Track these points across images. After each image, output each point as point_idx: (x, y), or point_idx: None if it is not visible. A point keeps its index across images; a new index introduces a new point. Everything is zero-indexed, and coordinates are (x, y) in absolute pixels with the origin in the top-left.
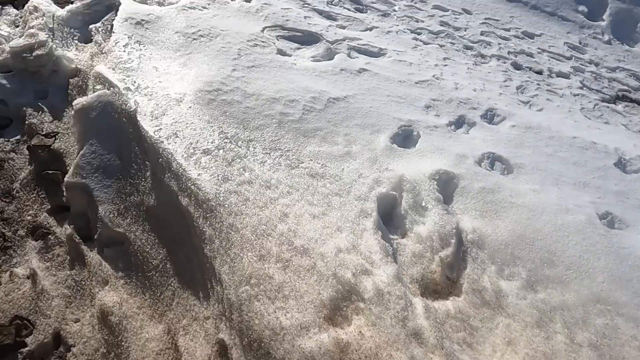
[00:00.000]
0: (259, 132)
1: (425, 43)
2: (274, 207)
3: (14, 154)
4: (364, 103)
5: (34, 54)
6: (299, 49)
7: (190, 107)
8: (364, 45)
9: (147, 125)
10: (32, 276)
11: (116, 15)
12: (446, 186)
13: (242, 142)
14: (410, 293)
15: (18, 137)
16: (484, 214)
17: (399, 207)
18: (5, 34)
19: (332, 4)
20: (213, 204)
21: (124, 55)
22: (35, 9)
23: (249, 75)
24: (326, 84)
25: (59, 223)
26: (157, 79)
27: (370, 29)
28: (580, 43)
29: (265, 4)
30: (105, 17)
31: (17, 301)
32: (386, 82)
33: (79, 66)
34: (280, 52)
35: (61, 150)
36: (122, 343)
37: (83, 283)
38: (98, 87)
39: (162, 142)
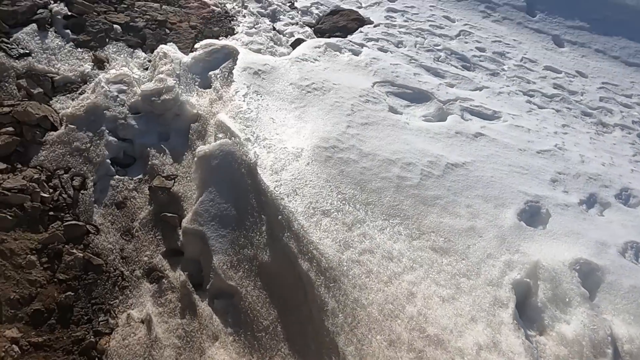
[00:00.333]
0: (376, 196)
1: (540, 107)
2: (399, 283)
3: (136, 192)
4: (484, 172)
5: (161, 98)
6: (409, 106)
7: (308, 164)
8: (476, 106)
9: (266, 179)
10: (148, 322)
11: (233, 63)
12: (588, 279)
13: (360, 204)
14: None
15: (140, 176)
16: (639, 319)
17: (534, 297)
18: (137, 76)
19: (439, 61)
20: (336, 273)
21: (243, 105)
22: (165, 55)
23: (364, 133)
24: (442, 148)
25: (172, 267)
26: (274, 130)
27: (481, 89)
28: None
29: (374, 58)
30: (223, 65)
31: (133, 347)
32: (505, 150)
33: (199, 112)
34: (392, 110)
35: (179, 194)
36: None
37: (193, 335)
38: (220, 135)
39: (283, 198)
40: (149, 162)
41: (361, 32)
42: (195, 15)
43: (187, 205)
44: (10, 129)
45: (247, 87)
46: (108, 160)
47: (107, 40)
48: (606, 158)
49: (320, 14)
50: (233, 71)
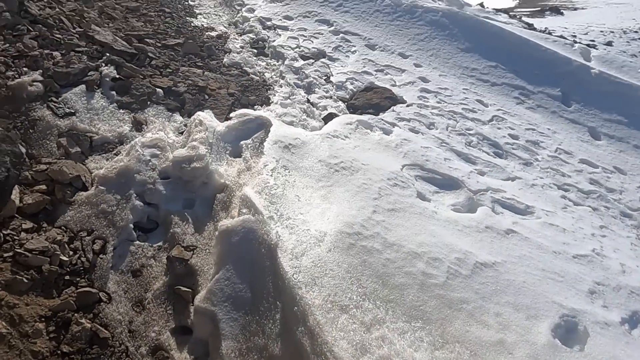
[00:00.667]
0: (399, 292)
1: (576, 204)
2: None
3: (153, 260)
4: (515, 275)
5: (191, 165)
6: (438, 193)
7: (330, 250)
8: (508, 199)
9: (286, 263)
10: None
11: (265, 134)
12: None
13: (381, 302)
14: None
15: (160, 243)
16: None
17: None
18: (171, 141)
19: (470, 146)
20: None
21: (270, 180)
22: (200, 122)
23: (390, 220)
24: (471, 243)
25: (179, 347)
26: (299, 209)
27: (513, 179)
28: None
29: (405, 139)
30: (255, 135)
31: None
32: (538, 251)
33: (226, 182)
34: (420, 196)
35: (197, 267)
36: None
37: None
38: (244, 210)
39: (300, 288)
40: (171, 230)
41: (393, 110)
42: (234, 82)
43: (203, 281)
44: (43, 186)
45: (276, 161)
46: (131, 225)
47: (148, 102)
48: None
49: (355, 90)
50: (264, 143)
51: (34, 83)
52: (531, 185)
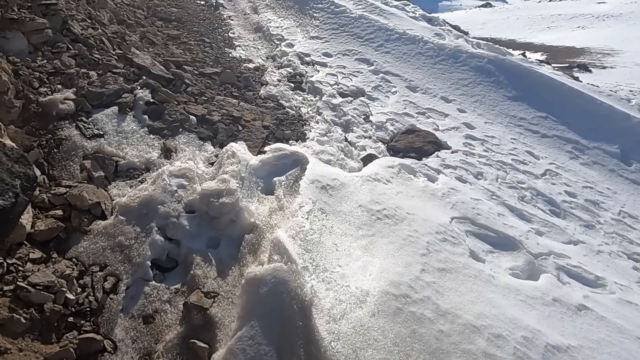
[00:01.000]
0: None
1: None
2: None
3: (169, 305)
4: None
5: (220, 200)
6: (492, 252)
7: (374, 315)
8: (574, 266)
9: (322, 326)
10: None
11: (301, 171)
12: None
13: None
14: None
15: (178, 285)
16: None
17: None
18: (200, 171)
19: (524, 201)
20: None
21: (305, 224)
22: (233, 154)
23: (441, 282)
24: (538, 319)
25: None
26: (337, 260)
27: (576, 243)
28: None
29: (452, 189)
30: (290, 172)
31: None
32: (619, 335)
33: (256, 221)
34: (473, 255)
35: (217, 318)
36: None
37: None
38: (275, 257)
39: None
40: (191, 271)
41: (438, 156)
42: (269, 115)
43: (223, 336)
44: (60, 212)
45: (313, 202)
46: (148, 262)
47: (180, 129)
48: None
49: (395, 131)
50: (300, 182)
51: (66, 101)
52: (597, 251)
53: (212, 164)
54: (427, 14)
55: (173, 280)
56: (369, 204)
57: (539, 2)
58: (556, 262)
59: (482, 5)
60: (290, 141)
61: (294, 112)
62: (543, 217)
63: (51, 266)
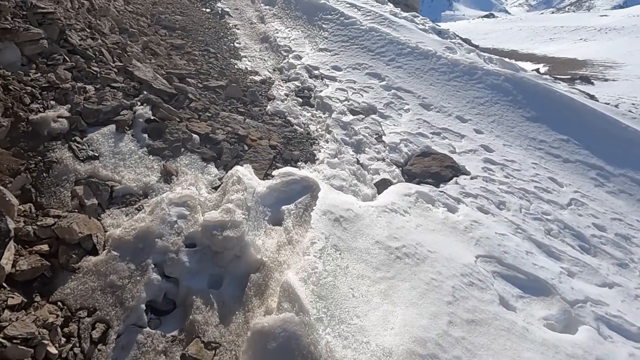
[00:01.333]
0: None
1: None
2: None
3: (164, 357)
4: None
5: (224, 233)
6: (523, 297)
7: None
8: (614, 316)
9: None
10: None
11: (311, 199)
12: None
13: None
14: None
15: (175, 332)
16: None
17: None
18: (203, 198)
19: (551, 235)
20: None
21: (318, 265)
22: (238, 180)
23: (471, 337)
24: None
25: None
26: (354, 309)
27: (611, 286)
28: None
29: (475, 221)
30: (300, 199)
31: None
32: None
33: (263, 258)
34: (503, 302)
35: None
36: None
37: None
38: (285, 304)
39: None
40: (191, 316)
41: (457, 183)
42: (277, 133)
43: None
44: (45, 247)
45: (326, 238)
46: (143, 306)
47: (182, 150)
48: None
49: (409, 153)
50: (311, 212)
51: (59, 119)
52: (635, 296)
53: (215, 188)
54: (437, 27)
55: (170, 325)
56: (387, 240)
57: (542, 13)
58: (594, 312)
59: (485, 16)
60: (299, 162)
61: (302, 129)
62: (573, 254)
63: (32, 313)
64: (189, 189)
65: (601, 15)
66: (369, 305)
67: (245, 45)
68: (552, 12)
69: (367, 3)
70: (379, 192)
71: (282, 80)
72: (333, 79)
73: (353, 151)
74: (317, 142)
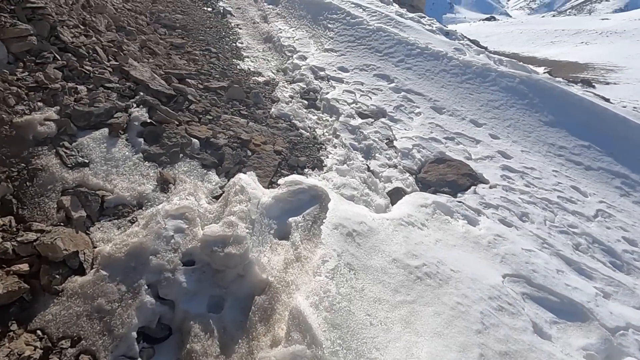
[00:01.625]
0: None
1: None
2: None
3: None
4: None
5: (225, 250)
6: (557, 323)
7: None
8: None
9: None
10: None
11: (320, 210)
12: None
13: None
14: None
15: None
16: None
17: None
18: (203, 209)
19: (579, 250)
20: None
21: (331, 287)
22: (241, 190)
23: None
24: None
25: None
26: (372, 341)
27: None
28: None
29: (498, 236)
30: (308, 211)
31: None
32: None
33: (269, 278)
34: (537, 330)
35: None
36: None
37: None
38: (295, 334)
39: None
40: (188, 345)
41: (475, 192)
42: (281, 137)
43: None
44: (25, 266)
45: (338, 255)
46: (134, 333)
47: (180, 155)
48: None
49: (423, 159)
50: (321, 225)
51: (46, 122)
52: None
53: (216, 197)
54: (444, 28)
55: (164, 355)
56: (405, 258)
57: (543, 17)
58: (638, 340)
59: (486, 19)
60: (306, 169)
61: (308, 133)
62: (605, 272)
63: (6, 345)
64: (187, 199)
65: (602, 19)
66: (389, 334)
67: (248, 45)
68: (554, 16)
69: (372, 3)
70: (393, 202)
71: (287, 81)
72: (340, 80)
73: (363, 157)
74: (324, 147)
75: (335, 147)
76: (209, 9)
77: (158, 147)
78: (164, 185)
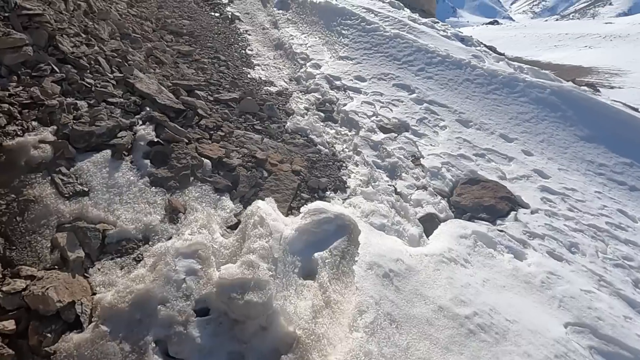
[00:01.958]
0: None
1: None
2: None
3: None
4: None
5: (245, 297)
6: None
7: None
8: None
9: None
10: None
11: (348, 242)
12: None
13: None
14: None
15: None
16: None
17: None
18: (217, 245)
19: (638, 287)
20: None
21: (372, 347)
22: (261, 221)
23: None
24: None
25: None
26: None
27: None
28: None
29: (551, 273)
30: (334, 244)
31: None
32: None
33: (297, 331)
34: None
35: None
36: None
37: None
38: None
39: None
40: None
41: (516, 219)
42: (299, 155)
43: None
44: (11, 323)
45: (376, 303)
46: None
47: (191, 179)
48: None
49: (454, 179)
50: (353, 266)
51: (41, 145)
52: None
53: (231, 227)
54: (460, 33)
55: None
56: (453, 305)
57: (546, 20)
58: None
59: (490, 23)
60: (328, 192)
61: (327, 150)
62: None
63: None
64: (200, 232)
65: (606, 23)
66: None
67: (258, 53)
68: (557, 20)
69: (383, 8)
70: (427, 231)
71: (301, 91)
72: (357, 90)
73: (387, 177)
74: (344, 164)
75: (357, 166)
76: (217, 14)
77: (166, 170)
78: (173, 214)
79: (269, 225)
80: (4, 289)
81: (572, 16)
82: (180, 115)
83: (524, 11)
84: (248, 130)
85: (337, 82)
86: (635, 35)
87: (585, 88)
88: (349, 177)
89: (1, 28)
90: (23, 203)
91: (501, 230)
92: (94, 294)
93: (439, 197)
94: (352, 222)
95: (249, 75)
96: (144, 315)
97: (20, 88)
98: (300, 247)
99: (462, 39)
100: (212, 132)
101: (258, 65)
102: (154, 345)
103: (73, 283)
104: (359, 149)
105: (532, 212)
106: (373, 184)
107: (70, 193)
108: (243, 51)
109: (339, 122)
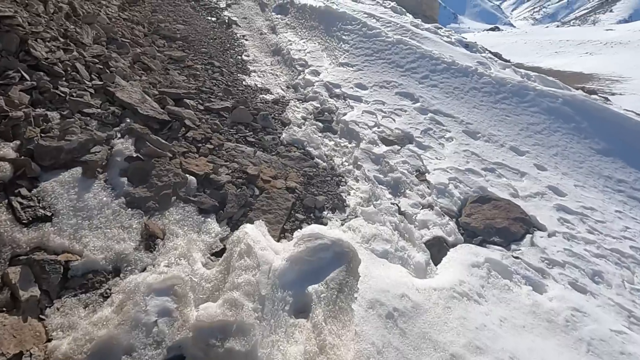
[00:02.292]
0: None
1: None
2: None
3: None
4: None
5: (226, 344)
6: None
7: None
8: None
9: None
10: None
11: (347, 273)
12: None
13: None
14: None
15: None
16: None
17: None
18: (197, 278)
19: None
20: None
21: None
22: (248, 250)
23: None
24: None
25: None
26: None
27: None
28: None
29: (575, 310)
30: (331, 275)
31: None
32: None
33: None
34: None
35: None
36: None
37: None
38: None
39: None
40: None
41: (533, 243)
42: (295, 170)
43: None
44: None
45: (378, 352)
46: None
47: (172, 199)
48: None
49: (462, 197)
50: (352, 303)
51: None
52: None
53: (216, 254)
54: (464, 39)
55: None
56: (468, 353)
57: (547, 27)
58: None
59: (491, 29)
60: (325, 211)
61: (325, 163)
62: None
63: None
64: (178, 262)
65: (607, 30)
66: None
67: (255, 58)
68: (558, 26)
69: (385, 13)
70: (434, 258)
71: (298, 99)
72: (358, 99)
73: (390, 194)
74: (344, 180)
75: (358, 181)
76: (213, 19)
77: (145, 189)
78: (150, 241)
79: (257, 255)
80: None
81: (573, 23)
82: (165, 127)
83: (524, 18)
84: (240, 143)
85: (337, 90)
86: (636, 42)
87: (597, 97)
88: (349, 195)
89: None
90: None
91: (517, 257)
92: (50, 339)
93: (447, 218)
94: (351, 249)
95: (244, 82)
96: None
97: None
98: (292, 278)
99: (467, 45)
100: (200, 144)
101: (254, 71)
102: None
103: (23, 329)
104: (359, 163)
105: (549, 235)
106: (375, 202)
107: (30, 219)
108: (239, 57)
109: (339, 133)
